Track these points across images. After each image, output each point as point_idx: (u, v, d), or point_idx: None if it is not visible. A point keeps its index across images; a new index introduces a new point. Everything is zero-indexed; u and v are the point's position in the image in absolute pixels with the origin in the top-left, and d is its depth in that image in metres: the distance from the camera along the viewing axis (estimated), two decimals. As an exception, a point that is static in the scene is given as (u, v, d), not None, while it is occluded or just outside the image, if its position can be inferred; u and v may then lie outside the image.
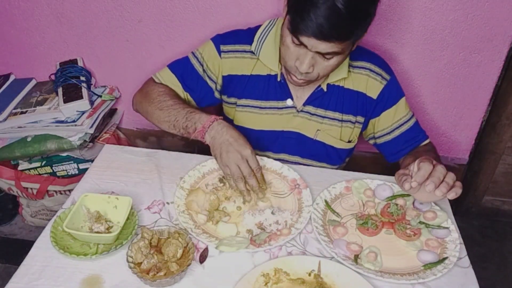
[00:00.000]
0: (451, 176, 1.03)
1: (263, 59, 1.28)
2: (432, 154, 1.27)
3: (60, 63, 1.88)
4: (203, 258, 1.01)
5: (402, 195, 1.20)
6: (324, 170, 1.31)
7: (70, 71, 1.82)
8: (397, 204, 1.15)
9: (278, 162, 1.29)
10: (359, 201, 1.20)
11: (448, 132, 1.92)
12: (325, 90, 1.29)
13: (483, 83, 1.76)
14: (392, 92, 1.31)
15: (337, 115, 1.32)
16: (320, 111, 1.32)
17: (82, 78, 1.82)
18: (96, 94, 1.84)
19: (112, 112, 1.95)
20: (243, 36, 1.31)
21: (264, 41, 1.27)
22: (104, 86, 1.93)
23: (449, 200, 1.21)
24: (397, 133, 1.33)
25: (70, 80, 1.79)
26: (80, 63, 1.87)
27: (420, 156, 1.21)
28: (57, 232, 1.03)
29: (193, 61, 1.34)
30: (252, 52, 1.29)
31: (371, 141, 1.41)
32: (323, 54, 1.09)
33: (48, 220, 1.07)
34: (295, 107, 1.32)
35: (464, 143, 1.96)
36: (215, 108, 1.47)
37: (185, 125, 1.21)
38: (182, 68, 1.35)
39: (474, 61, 1.71)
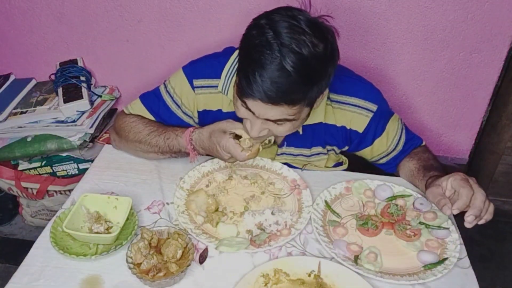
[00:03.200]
0: (485, 208, 1.00)
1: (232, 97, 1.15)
2: (437, 162, 1.24)
3: (60, 63, 1.88)
4: (202, 258, 1.01)
5: (402, 196, 1.20)
6: (324, 171, 1.31)
7: (70, 71, 1.82)
8: (397, 205, 1.15)
9: (278, 162, 1.28)
10: (359, 201, 1.20)
11: (448, 132, 1.92)
12: (300, 132, 1.21)
13: (483, 83, 1.76)
14: (380, 121, 1.22)
15: (320, 149, 1.27)
16: (304, 151, 1.27)
17: (82, 78, 1.82)
18: (96, 94, 1.84)
19: (112, 112, 1.95)
20: (215, 68, 1.20)
21: (231, 78, 1.17)
22: (104, 86, 1.93)
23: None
24: (395, 153, 1.28)
25: (70, 80, 1.79)
26: (80, 63, 1.87)
27: (423, 162, 1.20)
28: (57, 233, 1.03)
29: (165, 96, 1.25)
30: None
31: (367, 160, 1.36)
32: (273, 121, 1.02)
33: (48, 220, 1.07)
34: (277, 145, 1.27)
35: (464, 143, 1.96)
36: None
37: (170, 148, 1.21)
38: (154, 102, 1.27)
39: (474, 61, 1.71)
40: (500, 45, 1.66)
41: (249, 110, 1.01)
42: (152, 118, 1.27)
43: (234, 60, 1.18)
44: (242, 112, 1.05)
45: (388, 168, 1.33)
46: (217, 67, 1.20)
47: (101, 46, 1.85)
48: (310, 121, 1.17)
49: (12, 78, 1.96)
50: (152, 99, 1.28)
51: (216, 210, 1.13)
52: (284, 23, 0.93)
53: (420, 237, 1.09)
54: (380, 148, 1.27)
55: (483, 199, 0.99)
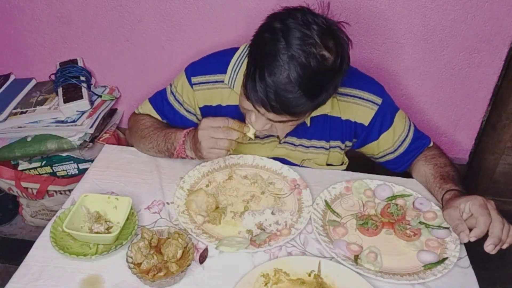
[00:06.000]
0: (505, 233, 0.98)
1: (238, 90, 1.16)
2: (453, 168, 1.22)
3: (60, 63, 1.88)
4: (203, 258, 1.01)
5: (402, 195, 1.20)
6: (324, 171, 1.31)
7: (70, 71, 1.82)
8: (397, 204, 1.15)
9: (278, 162, 1.28)
10: (359, 201, 1.20)
11: (448, 132, 1.92)
12: (308, 124, 1.23)
13: (483, 83, 1.76)
14: (386, 114, 1.24)
15: (323, 143, 1.27)
16: (304, 141, 1.27)
17: (82, 78, 1.82)
18: (96, 94, 1.84)
19: (112, 112, 1.95)
20: (215, 65, 1.24)
21: (238, 71, 1.19)
22: (104, 86, 1.93)
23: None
24: (401, 150, 1.28)
25: (70, 80, 1.79)
26: (80, 63, 1.87)
27: (440, 169, 1.20)
28: (57, 232, 1.03)
29: (169, 96, 1.31)
30: (224, 81, 1.23)
31: (372, 159, 1.37)
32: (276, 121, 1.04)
33: (48, 220, 1.07)
34: (277, 137, 1.27)
35: (464, 143, 1.96)
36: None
37: (166, 147, 1.22)
38: (160, 101, 1.33)
39: (474, 61, 1.71)
40: (500, 45, 1.66)
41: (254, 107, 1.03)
42: (158, 117, 1.33)
43: (240, 54, 1.20)
44: (247, 105, 1.05)
45: (395, 168, 1.34)
46: (215, 64, 1.24)
47: (101, 46, 1.85)
48: (319, 112, 1.18)
49: (12, 78, 1.96)
50: (159, 98, 1.34)
51: (217, 208, 1.13)
52: (297, 33, 0.94)
53: (420, 237, 1.09)
54: (386, 144, 1.27)
55: (501, 227, 0.98)
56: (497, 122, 1.86)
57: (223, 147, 1.06)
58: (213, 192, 1.17)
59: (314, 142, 1.27)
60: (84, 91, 1.77)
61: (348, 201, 1.20)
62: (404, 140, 1.28)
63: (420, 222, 1.12)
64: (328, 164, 1.33)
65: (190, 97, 1.27)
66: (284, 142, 1.28)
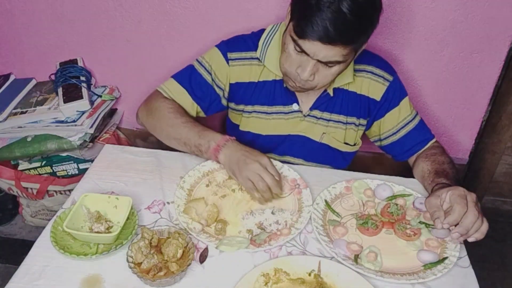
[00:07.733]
0: (475, 228, 1.00)
1: (268, 65, 1.27)
2: (451, 166, 1.25)
3: (60, 63, 1.88)
4: (203, 258, 1.01)
5: (402, 195, 1.20)
6: (324, 170, 1.31)
7: (70, 71, 1.82)
8: (397, 204, 1.15)
9: (278, 162, 1.28)
10: (359, 201, 1.20)
11: (448, 132, 1.92)
12: (331, 95, 1.29)
13: (483, 83, 1.76)
14: (396, 92, 1.31)
15: (341, 117, 1.33)
16: (325, 115, 1.32)
17: (82, 78, 1.82)
18: (96, 94, 1.84)
19: (112, 112, 1.95)
20: (248, 43, 1.30)
21: (268, 46, 1.27)
22: (104, 86, 1.93)
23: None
24: (403, 132, 1.34)
25: (70, 80, 1.79)
26: (80, 63, 1.87)
27: (437, 165, 1.23)
28: (57, 232, 1.03)
29: (201, 70, 1.32)
30: (258, 58, 1.29)
31: (377, 143, 1.41)
32: (325, 63, 1.09)
33: (48, 220, 1.07)
34: (301, 111, 1.32)
35: (464, 143, 1.96)
36: (219, 115, 1.46)
37: (198, 143, 1.20)
38: (189, 77, 1.33)
39: (474, 61, 1.71)
40: (500, 45, 1.66)
41: (304, 52, 1.08)
42: (188, 96, 1.32)
43: (269, 31, 1.29)
44: (293, 58, 1.12)
45: (397, 154, 1.37)
46: (249, 42, 1.31)
47: (101, 46, 1.85)
48: (341, 82, 1.28)
49: (12, 78, 1.96)
50: (186, 75, 1.34)
51: (217, 218, 1.11)
52: None
53: (420, 237, 1.09)
54: (390, 123, 1.33)
55: (473, 220, 0.99)
56: (497, 122, 1.86)
57: (260, 187, 1.11)
58: (214, 191, 1.17)
59: (334, 116, 1.33)
60: (84, 91, 1.77)
61: (348, 200, 1.20)
62: (407, 124, 1.34)
63: (420, 222, 1.12)
64: (344, 143, 1.37)
65: (223, 72, 1.31)
66: (308, 115, 1.32)
